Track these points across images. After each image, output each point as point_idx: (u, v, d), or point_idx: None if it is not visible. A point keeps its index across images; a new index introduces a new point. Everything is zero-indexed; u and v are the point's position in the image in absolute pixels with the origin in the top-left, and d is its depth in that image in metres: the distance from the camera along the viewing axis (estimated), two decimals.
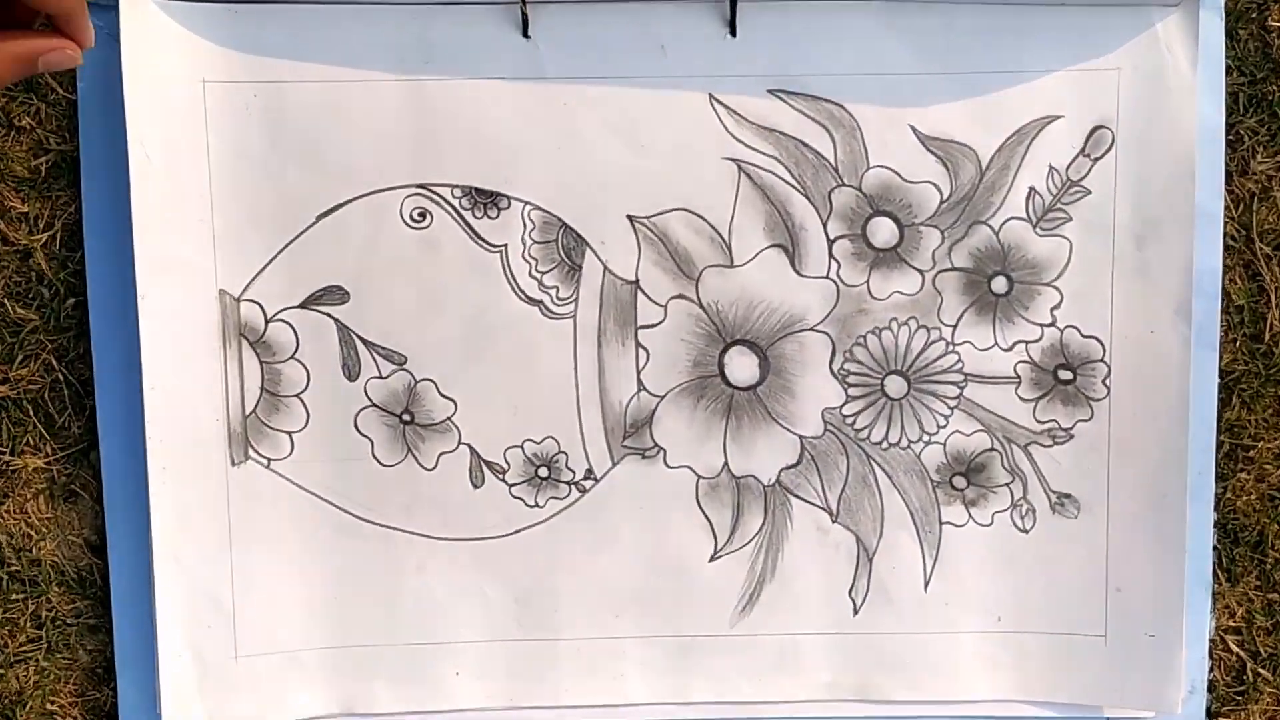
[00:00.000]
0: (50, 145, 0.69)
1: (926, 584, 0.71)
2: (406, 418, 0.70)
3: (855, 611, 0.71)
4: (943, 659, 0.71)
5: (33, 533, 0.71)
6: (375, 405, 0.70)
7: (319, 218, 0.68)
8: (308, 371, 0.69)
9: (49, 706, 0.72)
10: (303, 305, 0.69)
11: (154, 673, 0.70)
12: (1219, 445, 0.71)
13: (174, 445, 0.68)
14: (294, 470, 0.70)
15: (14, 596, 0.71)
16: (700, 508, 0.71)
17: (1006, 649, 0.71)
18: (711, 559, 0.71)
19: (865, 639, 0.71)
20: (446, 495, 0.70)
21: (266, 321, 0.69)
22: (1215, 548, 0.72)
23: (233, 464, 0.69)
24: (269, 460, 0.70)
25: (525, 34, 0.66)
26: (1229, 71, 0.69)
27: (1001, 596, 0.71)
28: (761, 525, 0.71)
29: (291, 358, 0.69)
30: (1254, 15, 0.69)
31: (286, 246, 0.68)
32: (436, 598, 0.71)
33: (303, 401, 0.70)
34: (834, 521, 0.71)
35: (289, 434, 0.70)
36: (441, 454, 0.70)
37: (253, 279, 0.68)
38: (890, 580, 0.71)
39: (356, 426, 0.70)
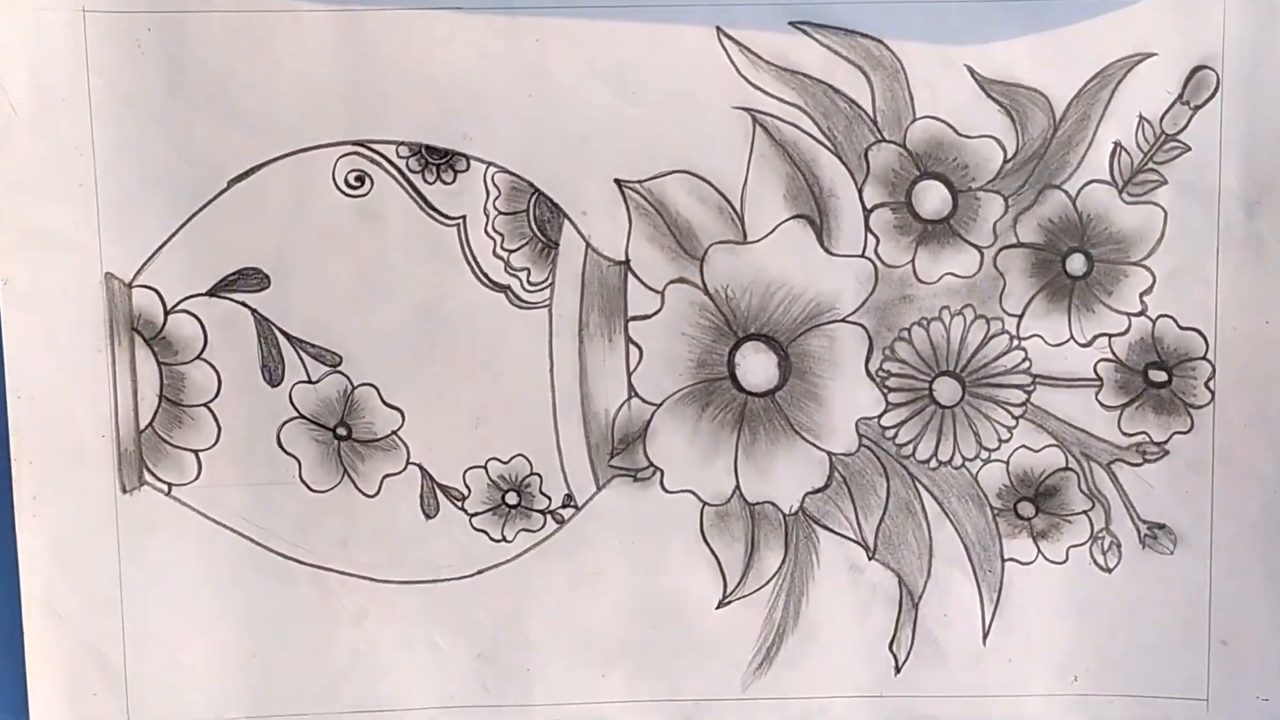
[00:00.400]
0: None
1: (985, 635, 0.68)
2: (342, 432, 0.67)
3: (897, 669, 0.69)
4: None
5: None
6: (303, 417, 0.67)
7: (231, 183, 0.65)
8: (218, 375, 0.66)
9: None
10: (211, 292, 0.66)
11: None
12: None
13: (48, 468, 0.66)
14: (202, 498, 0.67)
15: None
16: (705, 542, 0.68)
17: (1084, 715, 0.69)
18: (720, 605, 0.68)
19: (909, 703, 0.69)
20: (392, 527, 0.67)
21: (166, 313, 0.66)
22: None
23: (123, 490, 0.67)
24: (170, 486, 0.67)
25: None
26: None
27: (1078, 651, 0.68)
28: (781, 563, 0.68)
29: (198, 358, 0.66)
30: None
31: (191, 219, 0.65)
32: (380, 654, 0.68)
33: (212, 412, 0.67)
34: (871, 558, 0.68)
35: (195, 453, 0.67)
36: (385, 477, 0.67)
37: (148, 260, 0.65)
38: (940, 630, 0.68)
39: (280, 443, 0.67)
